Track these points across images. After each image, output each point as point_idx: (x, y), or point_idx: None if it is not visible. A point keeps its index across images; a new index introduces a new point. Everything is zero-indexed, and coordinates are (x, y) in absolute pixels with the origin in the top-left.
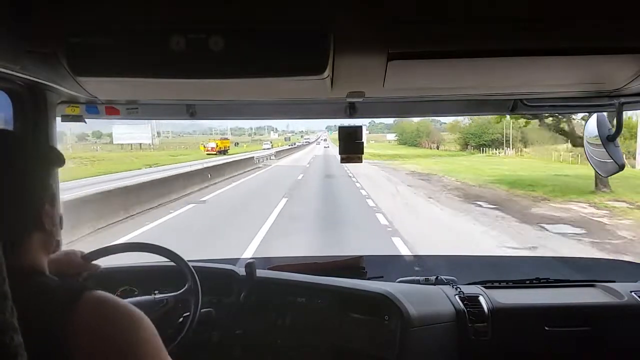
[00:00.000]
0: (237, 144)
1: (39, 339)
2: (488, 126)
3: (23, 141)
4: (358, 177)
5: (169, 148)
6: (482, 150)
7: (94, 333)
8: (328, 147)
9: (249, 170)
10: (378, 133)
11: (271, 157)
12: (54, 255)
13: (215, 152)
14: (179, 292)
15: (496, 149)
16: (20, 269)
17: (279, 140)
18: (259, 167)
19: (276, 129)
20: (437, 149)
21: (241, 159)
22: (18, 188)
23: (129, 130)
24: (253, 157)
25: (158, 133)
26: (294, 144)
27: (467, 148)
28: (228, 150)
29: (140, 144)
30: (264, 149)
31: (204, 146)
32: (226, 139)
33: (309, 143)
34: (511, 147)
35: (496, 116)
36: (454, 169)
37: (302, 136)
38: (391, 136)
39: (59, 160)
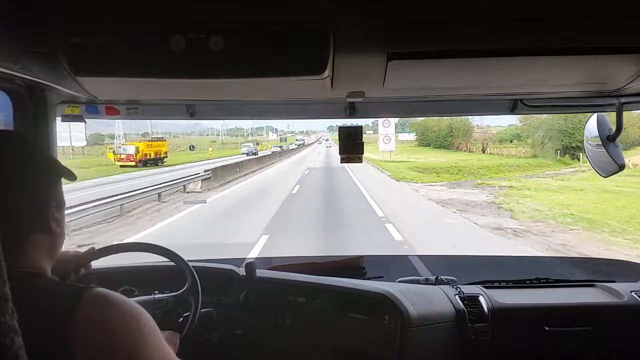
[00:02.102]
0: (193, 147)
1: (42, 340)
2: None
3: (30, 143)
4: None
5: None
6: (574, 156)
7: (98, 330)
8: (330, 146)
9: None
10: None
11: (193, 189)
12: None
13: (134, 163)
14: (179, 292)
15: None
16: (24, 270)
17: (273, 142)
18: None
19: (276, 129)
20: (483, 152)
21: None
22: (24, 189)
23: (60, 130)
24: None
25: (146, 134)
26: (252, 148)
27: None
28: (165, 159)
29: (72, 147)
30: (243, 153)
31: (115, 153)
32: (161, 139)
33: (303, 145)
34: None
35: None
36: None
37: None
38: (404, 136)
39: (64, 170)
